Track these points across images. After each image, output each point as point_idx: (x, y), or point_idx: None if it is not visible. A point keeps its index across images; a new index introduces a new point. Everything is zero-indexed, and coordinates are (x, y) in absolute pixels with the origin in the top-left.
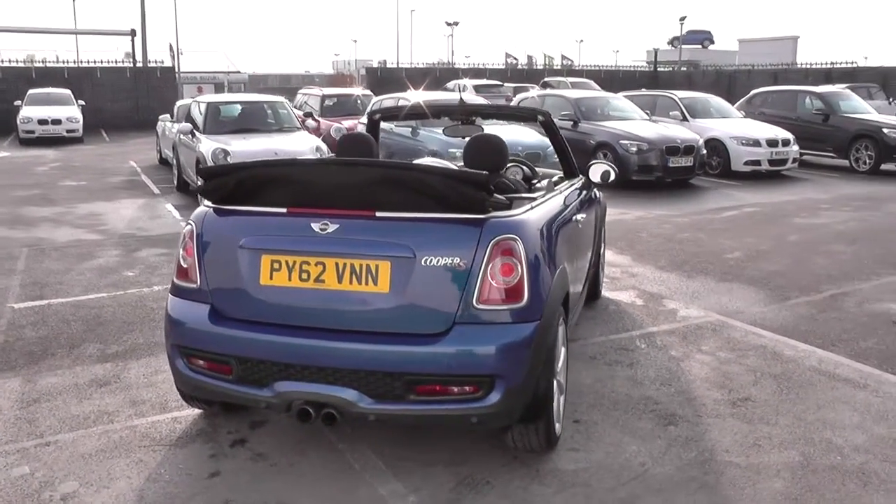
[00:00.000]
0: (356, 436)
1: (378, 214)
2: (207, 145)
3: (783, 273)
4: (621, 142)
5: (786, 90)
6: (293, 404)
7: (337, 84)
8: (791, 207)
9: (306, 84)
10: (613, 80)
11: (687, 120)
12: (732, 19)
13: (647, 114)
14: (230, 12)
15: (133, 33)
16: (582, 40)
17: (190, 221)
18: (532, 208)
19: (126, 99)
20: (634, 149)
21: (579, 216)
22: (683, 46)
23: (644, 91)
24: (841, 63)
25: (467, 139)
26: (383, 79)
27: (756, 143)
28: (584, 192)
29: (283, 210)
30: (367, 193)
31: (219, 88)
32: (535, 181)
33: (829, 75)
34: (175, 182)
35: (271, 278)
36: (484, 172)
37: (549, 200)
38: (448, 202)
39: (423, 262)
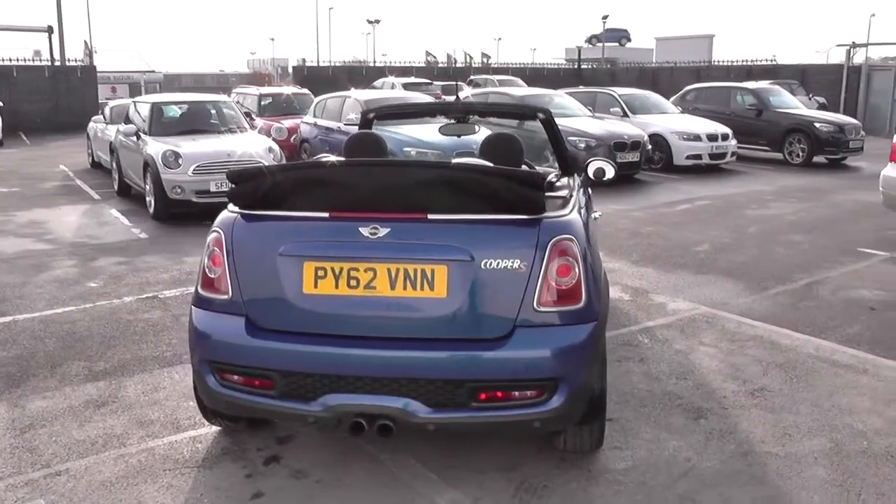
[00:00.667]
0: (394, 445)
1: (430, 217)
2: (156, 147)
3: (753, 264)
4: (570, 138)
5: (719, 86)
6: (344, 418)
7: (255, 83)
8: (741, 199)
9: (220, 83)
10: (538, 77)
11: (628, 116)
12: (647, 18)
13: (589, 110)
14: (142, 10)
15: (50, 30)
16: (500, 38)
17: (216, 229)
18: (574, 208)
19: (45, 100)
20: (583, 145)
21: (595, 214)
22: (601, 45)
23: (583, 88)
24: (760, 60)
25: (458, 137)
26: (310, 77)
27: (697, 138)
28: (588, 190)
29: (325, 214)
30: (418, 195)
31: (134, 88)
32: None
33: (750, 72)
34: (116, 186)
35: (316, 286)
36: (541, 172)
37: (578, 199)
38: (503, 203)
39: (482, 266)
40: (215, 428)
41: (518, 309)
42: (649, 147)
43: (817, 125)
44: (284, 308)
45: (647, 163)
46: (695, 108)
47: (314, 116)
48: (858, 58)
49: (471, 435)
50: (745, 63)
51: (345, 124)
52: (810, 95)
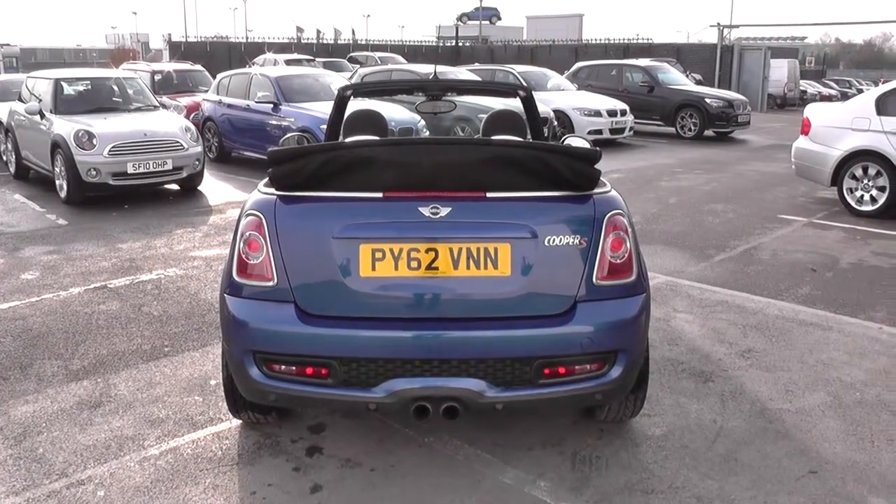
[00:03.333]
0: (433, 428)
1: (489, 195)
2: (66, 127)
3: (689, 233)
4: (479, 115)
5: (611, 64)
6: (409, 402)
7: (119, 59)
8: (650, 172)
9: (79, 59)
10: (417, 54)
11: None
12: None
13: None
14: None
15: None
16: (369, 15)
17: (253, 212)
18: (609, 184)
19: None
20: None
21: None
22: (471, 22)
23: (479, 65)
24: (637, 39)
25: (434, 114)
26: (186, 53)
27: (598, 114)
28: None
29: (379, 195)
30: (476, 173)
31: None
32: None
33: (627, 50)
34: (12, 170)
35: (373, 269)
36: (597, 149)
37: None
38: (559, 179)
39: (545, 243)
40: (235, 423)
41: (579, 284)
42: (555, 123)
43: (708, 100)
44: (339, 292)
45: (554, 139)
46: (588, 85)
47: (217, 94)
48: (704, 37)
49: (509, 412)
50: (621, 42)
51: (256, 102)
52: (687, 73)
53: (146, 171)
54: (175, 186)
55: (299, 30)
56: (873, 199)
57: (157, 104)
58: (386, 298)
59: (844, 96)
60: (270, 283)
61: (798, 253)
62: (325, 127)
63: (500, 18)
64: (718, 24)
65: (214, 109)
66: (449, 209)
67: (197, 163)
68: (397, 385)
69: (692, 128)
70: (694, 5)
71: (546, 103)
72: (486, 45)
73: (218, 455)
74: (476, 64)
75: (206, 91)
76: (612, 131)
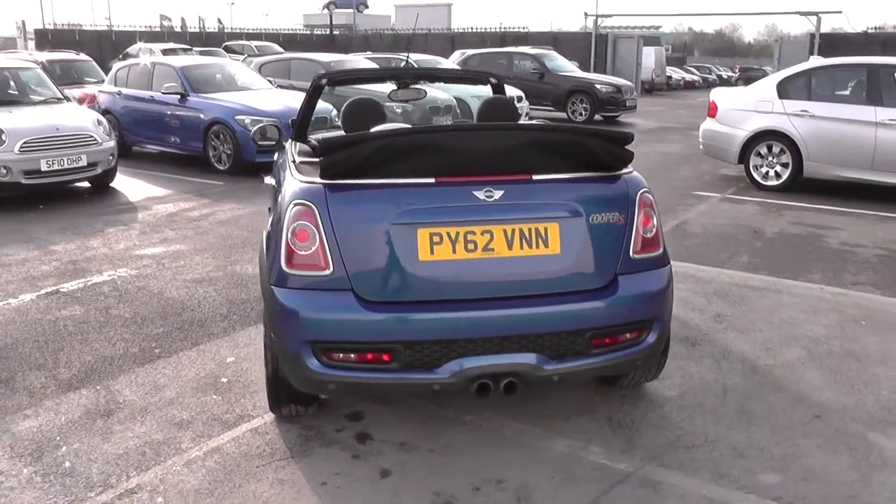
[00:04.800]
0: (470, 406)
1: (535, 177)
2: None
3: None
4: (387, 104)
5: (500, 52)
6: (471, 381)
7: None
8: None
9: None
10: (293, 42)
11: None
12: None
13: None
14: None
15: None
16: (233, 3)
17: (303, 202)
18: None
19: None
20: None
21: None
22: (338, 11)
23: (372, 54)
24: (512, 28)
25: (405, 102)
26: (55, 42)
27: None
28: None
29: (431, 180)
30: (522, 157)
31: None
32: None
33: (504, 39)
34: None
35: (432, 253)
36: (630, 132)
37: None
38: (596, 161)
39: (590, 221)
40: (268, 418)
41: (619, 258)
42: (458, 111)
43: (597, 86)
44: (399, 278)
45: None
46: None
47: (115, 85)
48: (565, 25)
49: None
50: (497, 30)
51: (162, 93)
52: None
53: (60, 168)
54: (86, 184)
55: (164, 18)
56: (777, 175)
57: (63, 96)
58: (445, 281)
59: (705, 81)
60: (326, 272)
61: (725, 226)
62: (240, 118)
63: (367, 7)
64: (586, 13)
65: (113, 102)
66: (501, 192)
67: (111, 158)
68: (461, 365)
69: (583, 112)
70: None
71: (447, 91)
72: (362, 33)
73: (266, 451)
74: (369, 52)
75: (94, 82)
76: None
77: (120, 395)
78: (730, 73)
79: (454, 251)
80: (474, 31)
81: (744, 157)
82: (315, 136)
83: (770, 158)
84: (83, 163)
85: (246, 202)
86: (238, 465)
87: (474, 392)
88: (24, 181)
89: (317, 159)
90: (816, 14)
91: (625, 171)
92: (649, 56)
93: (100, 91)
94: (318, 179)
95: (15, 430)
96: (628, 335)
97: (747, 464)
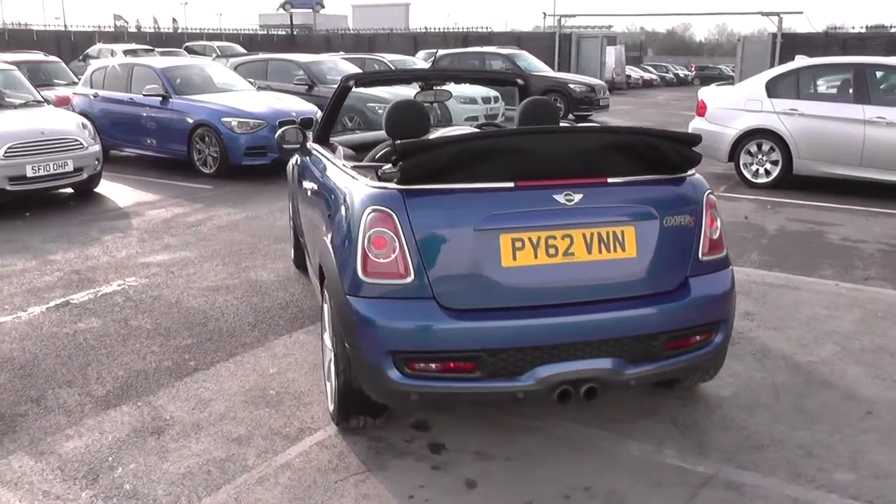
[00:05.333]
0: (534, 413)
1: (609, 180)
2: None
3: None
4: (368, 105)
5: (472, 52)
6: (554, 387)
7: None
8: None
9: None
10: (255, 43)
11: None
12: None
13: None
14: None
15: None
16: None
17: (379, 208)
18: None
19: None
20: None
21: None
22: (295, 10)
23: (345, 54)
24: (475, 28)
25: (430, 103)
26: (11, 42)
27: (473, 101)
28: None
29: (510, 184)
30: (597, 160)
31: None
32: None
33: (466, 38)
34: None
35: (514, 259)
36: (698, 133)
37: None
38: (665, 163)
39: (664, 223)
40: (331, 430)
41: (689, 261)
42: (438, 111)
43: (571, 86)
44: (482, 285)
45: None
46: None
47: (91, 87)
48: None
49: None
50: (461, 30)
51: (144, 95)
52: None
53: (46, 173)
54: (69, 190)
55: (118, 18)
56: (767, 172)
57: (42, 99)
58: (528, 287)
59: (663, 79)
60: (406, 280)
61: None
62: (227, 120)
63: (323, 6)
64: (545, 13)
65: (90, 104)
66: (580, 195)
67: (97, 163)
68: (544, 371)
69: (560, 110)
70: None
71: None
72: (323, 33)
73: (340, 465)
74: (341, 53)
75: (65, 84)
76: (487, 117)
77: (165, 412)
78: (686, 72)
79: (536, 256)
80: (437, 30)
81: (734, 155)
82: (337, 138)
83: (760, 156)
84: (69, 168)
85: (240, 207)
86: (314, 480)
87: (556, 399)
88: (8, 188)
89: (371, 163)
90: (778, 14)
91: (689, 172)
92: (610, 55)
93: (74, 93)
94: (392, 185)
95: (60, 452)
96: (698, 337)
97: (818, 462)
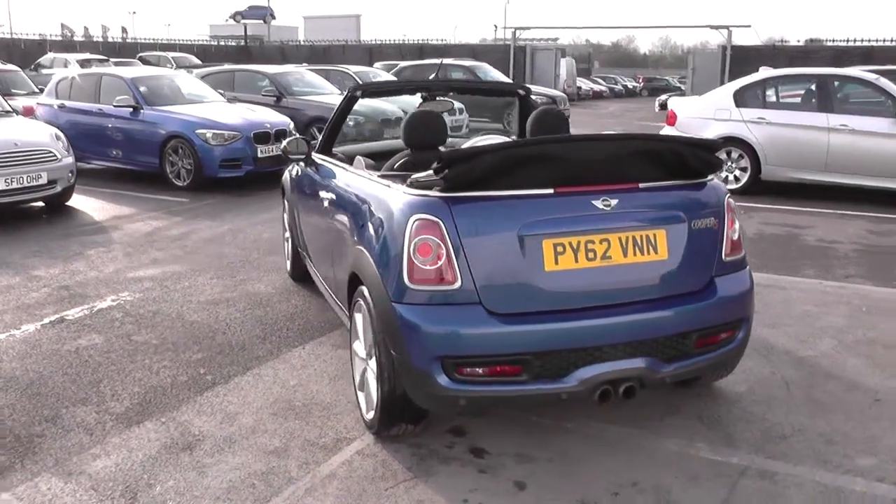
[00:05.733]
0: (561, 414)
1: (641, 186)
2: None
3: None
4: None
5: (434, 63)
6: (595, 388)
7: None
8: None
9: None
10: (208, 54)
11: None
12: None
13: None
14: None
15: None
16: (135, 12)
17: (425, 216)
18: None
19: None
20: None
21: None
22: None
23: (308, 66)
24: (431, 39)
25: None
26: None
27: None
28: None
29: (550, 190)
30: (628, 166)
31: None
32: None
33: (422, 50)
34: None
35: (556, 263)
36: (718, 140)
37: None
38: (690, 167)
39: (692, 226)
40: (368, 439)
41: (714, 261)
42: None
43: (533, 97)
44: (526, 289)
45: None
46: None
47: (57, 97)
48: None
49: None
50: (415, 42)
51: (115, 106)
52: None
53: (20, 186)
54: (40, 203)
55: (65, 28)
56: (737, 179)
57: (11, 109)
58: (570, 290)
59: (612, 91)
60: (454, 286)
61: None
62: (201, 132)
63: (274, 17)
64: (496, 25)
65: (55, 115)
66: (616, 200)
67: (70, 175)
68: (587, 372)
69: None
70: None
71: (391, 102)
72: (277, 44)
73: (386, 472)
74: (305, 64)
75: (25, 94)
76: (452, 129)
77: (193, 427)
78: (634, 84)
79: (576, 260)
80: (392, 42)
81: None
82: (341, 149)
83: (729, 163)
84: (43, 180)
85: (221, 220)
86: (363, 489)
87: (597, 399)
88: None
89: (398, 173)
90: (727, 27)
91: (710, 177)
92: (562, 67)
93: (38, 104)
94: (433, 192)
95: (90, 471)
96: (724, 335)
97: (841, 449)
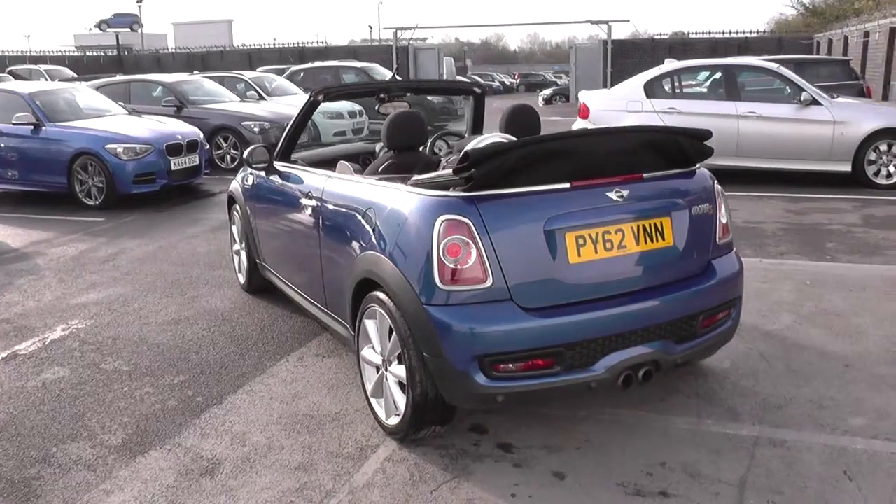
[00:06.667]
0: (574, 403)
1: (645, 175)
2: None
3: None
4: (243, 123)
5: (327, 66)
6: (620, 373)
7: None
8: None
9: None
10: (79, 65)
11: (263, 98)
12: (158, 3)
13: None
14: None
15: None
16: None
17: (452, 217)
18: None
19: None
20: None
21: None
22: (111, 30)
23: (200, 74)
24: (311, 42)
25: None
26: None
27: (340, 116)
28: None
29: (567, 185)
30: (633, 158)
31: None
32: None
33: (303, 53)
34: None
35: (579, 255)
36: (708, 130)
37: None
38: (683, 156)
39: (692, 213)
40: (391, 444)
41: (711, 245)
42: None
43: (430, 98)
44: (553, 282)
45: (209, 164)
46: (307, 88)
47: None
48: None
49: None
50: (296, 45)
51: (13, 124)
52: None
53: None
54: None
55: None
56: None
57: None
58: (592, 281)
59: (490, 88)
60: (486, 285)
61: None
62: (111, 147)
63: (142, 25)
64: (370, 26)
65: None
66: (627, 191)
67: None
68: (613, 360)
69: None
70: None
71: (294, 107)
72: (153, 53)
73: (424, 475)
74: (195, 73)
75: None
76: (354, 132)
77: (203, 451)
78: (511, 80)
79: (596, 251)
80: (272, 46)
81: None
82: (302, 154)
83: None
84: None
85: (147, 237)
86: (408, 494)
87: (621, 384)
88: None
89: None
90: (607, 22)
91: (698, 165)
92: (444, 66)
93: None
94: (453, 192)
95: (111, 501)
96: (721, 314)
97: (832, 413)
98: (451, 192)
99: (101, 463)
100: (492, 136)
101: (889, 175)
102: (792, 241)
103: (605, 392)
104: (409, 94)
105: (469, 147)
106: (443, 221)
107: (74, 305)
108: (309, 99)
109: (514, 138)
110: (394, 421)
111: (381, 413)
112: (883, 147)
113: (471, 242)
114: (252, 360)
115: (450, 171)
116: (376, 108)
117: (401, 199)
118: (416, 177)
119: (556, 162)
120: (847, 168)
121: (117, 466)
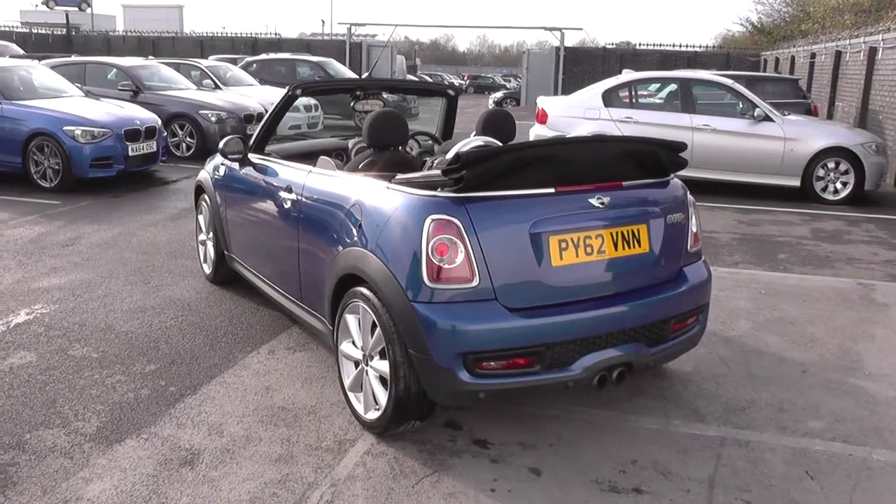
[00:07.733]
0: (545, 402)
1: (624, 184)
2: None
3: None
4: (201, 112)
5: (281, 58)
6: (595, 374)
7: None
8: None
9: None
10: (28, 43)
11: (220, 88)
12: None
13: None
14: None
15: None
16: None
17: (442, 216)
18: None
19: None
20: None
21: None
22: (59, 8)
23: (155, 59)
24: (264, 33)
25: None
26: None
27: (296, 110)
28: None
29: (551, 190)
30: (614, 166)
31: None
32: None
33: (256, 44)
34: None
35: (561, 258)
36: (683, 142)
37: None
38: (659, 166)
39: (667, 221)
40: (369, 438)
41: (683, 253)
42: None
43: (384, 95)
44: (537, 284)
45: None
46: (262, 80)
47: None
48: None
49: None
50: (249, 35)
51: None
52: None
53: None
54: None
55: None
56: None
57: None
58: (573, 284)
59: None
60: (472, 284)
61: None
62: (69, 129)
63: (90, 6)
64: (322, 20)
65: None
66: (608, 198)
67: None
68: (589, 360)
69: None
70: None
71: (250, 97)
72: (102, 34)
73: (404, 469)
74: (151, 58)
75: None
76: (309, 126)
77: (181, 441)
78: (460, 81)
79: (577, 255)
80: (225, 35)
81: None
82: (274, 147)
83: None
84: None
85: (106, 223)
86: (390, 488)
87: (595, 384)
88: None
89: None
90: (560, 29)
91: (671, 175)
92: (396, 64)
93: None
94: (442, 193)
95: (88, 496)
96: (690, 319)
97: (792, 416)
98: (440, 193)
99: (78, 450)
100: (476, 139)
101: (836, 191)
102: (745, 251)
103: (575, 391)
104: (384, 94)
105: (457, 149)
106: (432, 221)
107: (37, 289)
108: (287, 93)
109: (497, 142)
110: (373, 415)
111: (359, 407)
112: (831, 164)
113: (459, 242)
114: (223, 352)
115: (437, 171)
116: (351, 105)
117: (388, 198)
118: (402, 175)
119: (543, 167)
120: (796, 183)
121: (94, 454)
